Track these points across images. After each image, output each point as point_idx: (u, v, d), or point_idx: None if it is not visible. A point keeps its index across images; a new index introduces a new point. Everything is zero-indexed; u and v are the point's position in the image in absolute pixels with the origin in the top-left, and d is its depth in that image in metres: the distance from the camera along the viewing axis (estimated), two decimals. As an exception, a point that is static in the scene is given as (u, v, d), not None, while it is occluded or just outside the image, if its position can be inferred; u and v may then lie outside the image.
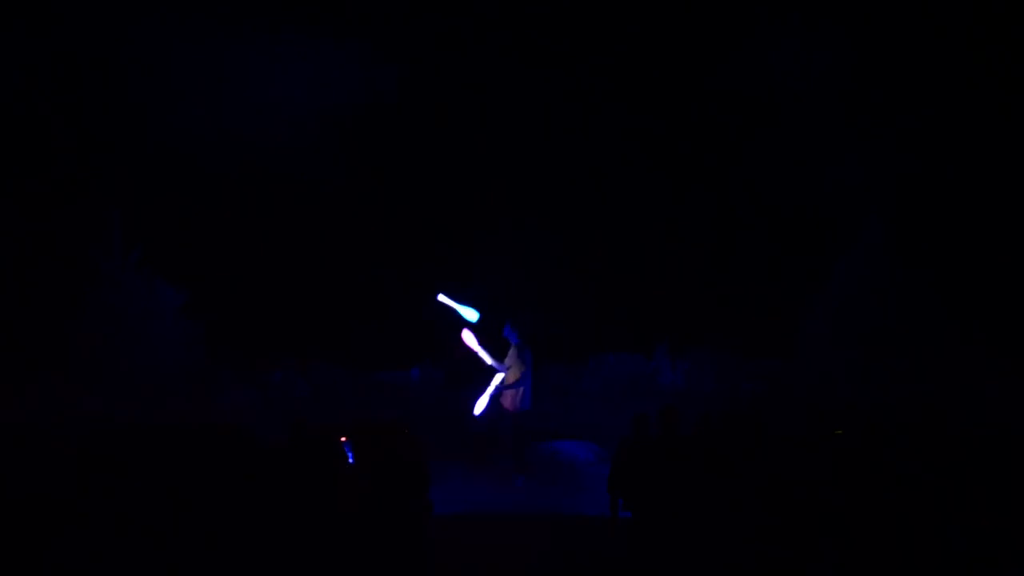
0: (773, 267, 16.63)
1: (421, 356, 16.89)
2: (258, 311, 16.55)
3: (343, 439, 7.96)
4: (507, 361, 11.82)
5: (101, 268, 15.56)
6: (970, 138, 16.04)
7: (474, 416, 11.89)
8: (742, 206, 17.43)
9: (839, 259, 15.82)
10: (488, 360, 11.89)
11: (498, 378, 11.77)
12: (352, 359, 16.71)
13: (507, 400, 11.78)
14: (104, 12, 16.26)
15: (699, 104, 17.46)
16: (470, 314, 11.98)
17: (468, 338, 11.90)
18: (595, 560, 8.39)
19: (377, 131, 17.38)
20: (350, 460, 7.87)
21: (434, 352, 16.76)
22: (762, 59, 16.84)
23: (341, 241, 17.41)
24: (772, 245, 16.94)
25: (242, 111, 16.68)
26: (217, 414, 14.35)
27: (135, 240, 15.73)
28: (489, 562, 8.59)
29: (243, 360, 16.16)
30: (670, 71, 17.55)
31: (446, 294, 12.03)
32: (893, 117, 16.46)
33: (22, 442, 8.45)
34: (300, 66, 17.15)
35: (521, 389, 11.76)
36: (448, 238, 17.53)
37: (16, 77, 16.25)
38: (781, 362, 15.90)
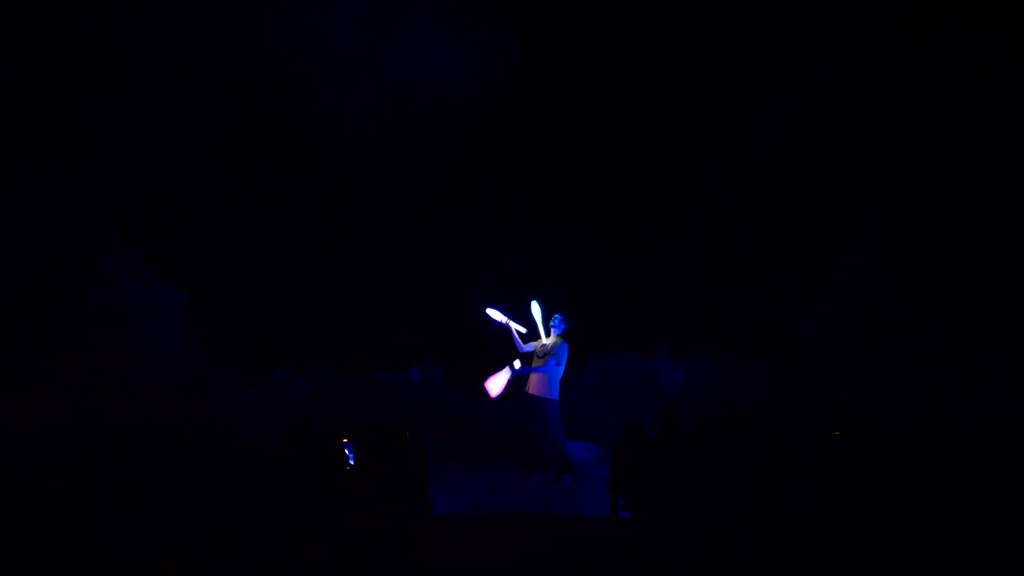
0: (773, 267, 16.64)
1: (421, 356, 16.90)
2: (258, 311, 16.58)
3: (343, 439, 7.96)
4: (543, 347, 11.52)
5: (101, 268, 15.56)
6: (970, 138, 16.05)
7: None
8: (742, 206, 17.45)
9: (838, 259, 15.83)
10: (519, 330, 11.55)
11: (517, 362, 11.32)
12: (352, 359, 16.72)
13: (532, 385, 11.43)
14: (104, 12, 16.25)
15: (699, 104, 17.48)
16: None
17: (495, 313, 11.61)
18: (595, 560, 8.38)
19: (376, 131, 17.39)
20: (350, 460, 7.88)
21: (434, 352, 16.81)
22: (762, 59, 16.87)
23: (341, 241, 17.43)
24: (772, 245, 16.96)
25: (241, 112, 16.69)
26: (217, 414, 14.36)
27: (135, 240, 15.73)
28: (489, 562, 8.59)
29: (243, 360, 16.18)
30: (670, 71, 17.57)
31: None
32: (893, 117, 16.47)
33: (22, 442, 8.46)
34: (298, 66, 17.15)
35: (545, 376, 11.35)
36: (448, 238, 17.55)
37: (16, 77, 16.24)
38: (781, 362, 15.90)
